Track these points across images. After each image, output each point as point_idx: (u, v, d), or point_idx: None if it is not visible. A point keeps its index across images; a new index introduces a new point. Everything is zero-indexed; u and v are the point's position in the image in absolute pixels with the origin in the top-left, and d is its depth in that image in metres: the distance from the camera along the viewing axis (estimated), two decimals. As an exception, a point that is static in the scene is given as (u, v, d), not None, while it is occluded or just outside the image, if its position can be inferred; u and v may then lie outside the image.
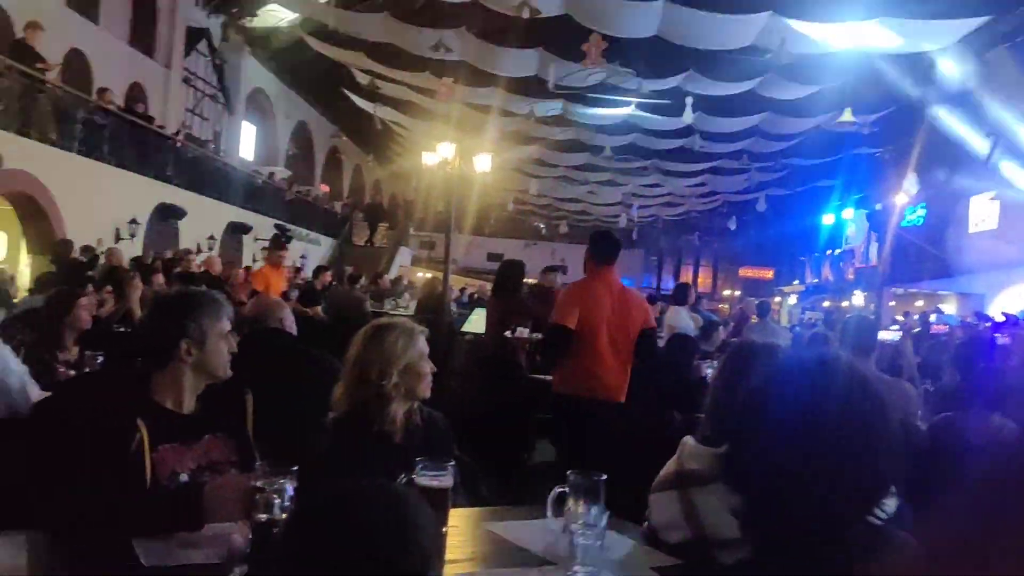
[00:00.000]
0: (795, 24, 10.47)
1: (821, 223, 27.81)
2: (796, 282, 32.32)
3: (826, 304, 25.42)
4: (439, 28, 12.73)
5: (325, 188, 27.73)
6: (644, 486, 2.11)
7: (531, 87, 15.23)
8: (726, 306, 23.65)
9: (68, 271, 8.80)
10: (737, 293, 33.03)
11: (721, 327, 8.73)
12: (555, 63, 13.06)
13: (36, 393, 3.35)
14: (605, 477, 1.90)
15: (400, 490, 1.07)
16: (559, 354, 4.65)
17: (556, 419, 4.89)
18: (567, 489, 1.92)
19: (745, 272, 36.43)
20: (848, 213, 25.85)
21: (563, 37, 13.18)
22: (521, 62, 13.56)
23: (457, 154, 10.21)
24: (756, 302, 11.97)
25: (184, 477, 2.13)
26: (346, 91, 19.25)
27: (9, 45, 12.07)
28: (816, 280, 30.19)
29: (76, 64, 15.78)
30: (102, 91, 14.68)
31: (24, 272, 11.90)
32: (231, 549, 1.63)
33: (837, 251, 28.73)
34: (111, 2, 17.67)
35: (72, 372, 4.11)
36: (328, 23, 13.17)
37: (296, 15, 17.52)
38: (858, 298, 23.46)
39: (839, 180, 21.53)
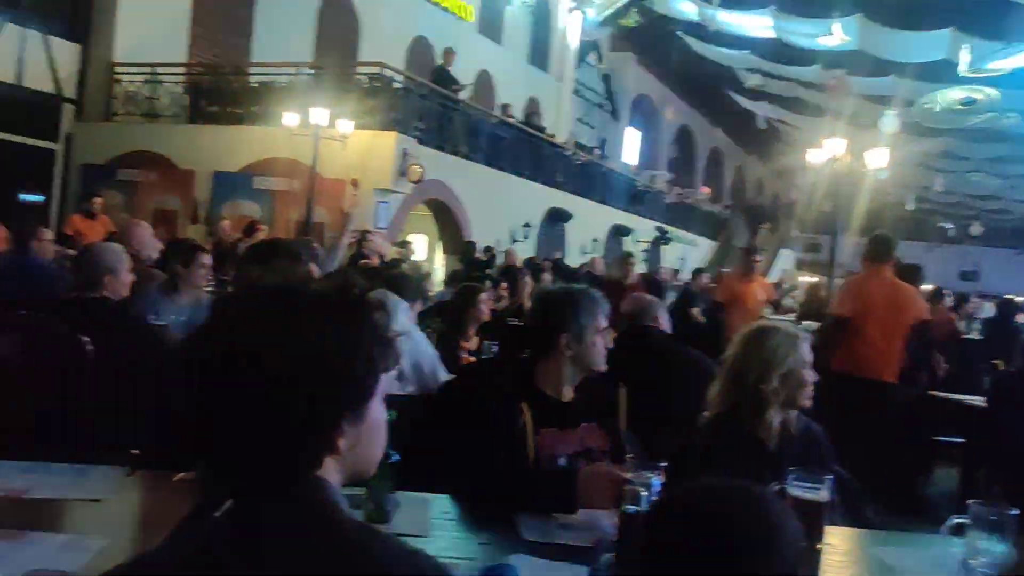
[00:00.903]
0: None
1: None
2: None
3: None
4: (831, 18, 12.01)
5: (705, 190, 27.70)
6: None
7: (939, 72, 13.72)
8: None
9: (471, 269, 9.86)
10: None
11: None
12: (970, 43, 11.59)
13: (443, 375, 3.82)
14: (1016, 512, 1.63)
15: (767, 495, 1.02)
16: (836, 340, 5.18)
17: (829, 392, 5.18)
18: (967, 519, 1.68)
19: None
20: None
21: (982, 13, 11.67)
22: (928, 46, 12.26)
23: (847, 150, 9.53)
24: None
25: (562, 461, 2.26)
26: (729, 92, 19.03)
27: (431, 71, 13.90)
28: None
29: (483, 83, 17.66)
30: (504, 107, 16.21)
31: (439, 269, 13.59)
32: (600, 536, 1.70)
33: None
34: (514, 24, 19.47)
35: (472, 358, 4.58)
36: (711, 26, 13.13)
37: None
38: None
39: None
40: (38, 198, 11.95)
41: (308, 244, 4.43)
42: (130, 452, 2.52)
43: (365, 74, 12.60)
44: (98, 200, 9.56)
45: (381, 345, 1.02)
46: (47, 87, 11.83)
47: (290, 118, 11.07)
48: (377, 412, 1.03)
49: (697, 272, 13.14)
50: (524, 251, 13.36)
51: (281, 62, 12.62)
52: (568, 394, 2.36)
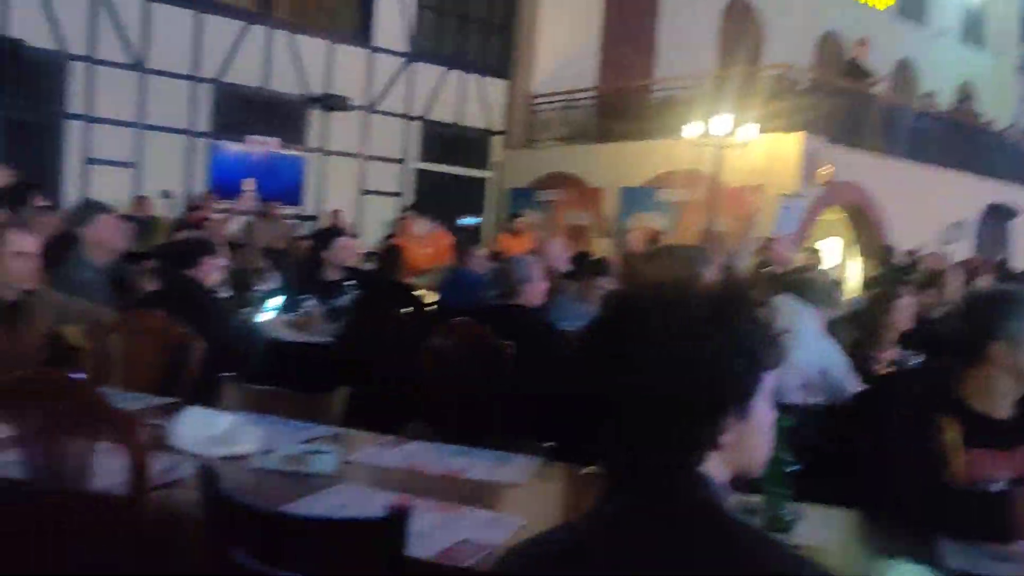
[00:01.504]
0: None
1: None
2: None
3: None
4: None
5: None
6: None
7: None
8: None
9: (891, 274, 9.06)
10: None
11: None
12: None
13: (854, 385, 3.58)
14: None
15: None
16: None
17: None
18: None
19: None
20: None
21: None
22: None
23: None
24: None
25: (998, 485, 1.98)
26: None
27: (843, 65, 13.08)
28: None
29: (904, 72, 16.17)
30: (928, 95, 14.68)
31: (854, 275, 12.69)
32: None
33: None
34: (941, 1, 17.54)
35: (889, 369, 4.21)
36: None
37: None
38: None
39: None
40: (474, 220, 13.68)
41: (701, 250, 4.47)
42: (544, 445, 2.77)
43: (769, 76, 12.28)
44: (521, 219, 10.60)
45: (765, 343, 1.00)
46: (480, 123, 13.54)
47: (692, 129, 11.19)
48: (762, 411, 1.01)
49: None
50: (956, 253, 11.94)
51: (684, 75, 12.84)
52: (1004, 411, 2.06)
